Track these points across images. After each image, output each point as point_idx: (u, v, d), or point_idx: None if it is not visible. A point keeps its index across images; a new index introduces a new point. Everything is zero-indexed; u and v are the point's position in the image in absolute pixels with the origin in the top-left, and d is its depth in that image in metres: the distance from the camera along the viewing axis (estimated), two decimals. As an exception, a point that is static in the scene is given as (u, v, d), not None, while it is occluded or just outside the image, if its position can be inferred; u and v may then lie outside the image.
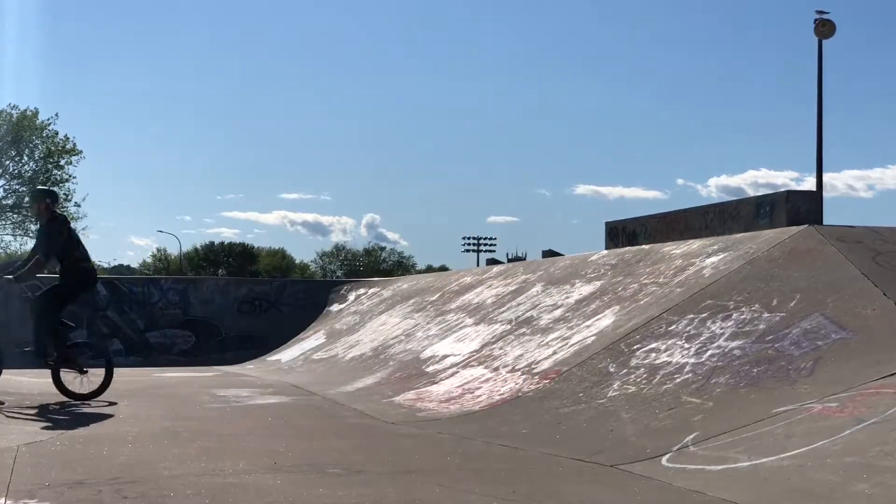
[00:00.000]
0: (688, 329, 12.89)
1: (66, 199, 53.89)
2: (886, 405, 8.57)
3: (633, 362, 12.59)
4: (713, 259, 15.49)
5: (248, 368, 24.73)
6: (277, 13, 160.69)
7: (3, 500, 7.49)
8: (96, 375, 15.34)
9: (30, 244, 57.06)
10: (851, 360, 10.13)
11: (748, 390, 10.41)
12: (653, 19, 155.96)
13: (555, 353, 14.67)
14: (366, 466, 9.26)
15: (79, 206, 54.67)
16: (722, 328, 12.41)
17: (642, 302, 15.17)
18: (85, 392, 15.17)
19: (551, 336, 15.75)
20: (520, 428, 11.62)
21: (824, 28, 33.25)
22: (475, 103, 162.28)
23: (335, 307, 30.28)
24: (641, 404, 11.11)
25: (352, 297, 30.62)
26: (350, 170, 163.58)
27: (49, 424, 12.25)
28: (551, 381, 13.29)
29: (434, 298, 24.21)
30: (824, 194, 25.86)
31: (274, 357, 26.57)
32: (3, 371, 15.79)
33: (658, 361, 12.27)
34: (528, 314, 18.03)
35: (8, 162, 53.04)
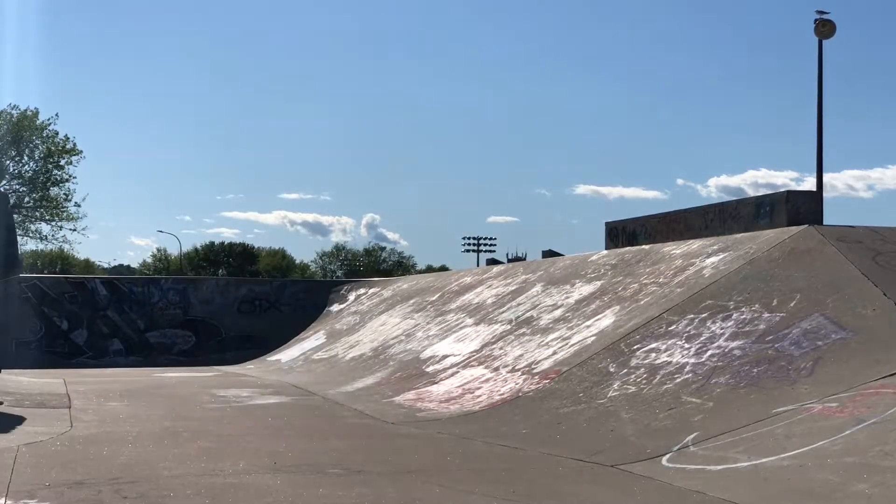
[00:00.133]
0: (688, 329, 12.89)
1: (66, 199, 53.97)
2: (886, 405, 8.57)
3: (633, 362, 12.59)
4: (713, 259, 15.49)
5: (248, 368, 24.74)
6: (278, 13, 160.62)
7: (3, 500, 7.49)
8: None
9: (30, 244, 57.24)
10: (851, 360, 10.13)
11: (748, 390, 10.41)
12: (653, 19, 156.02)
13: (555, 353, 14.67)
14: (366, 466, 9.26)
15: (79, 206, 54.67)
16: (722, 328, 12.41)
17: (642, 302, 15.17)
18: None
19: (551, 336, 15.76)
20: (520, 428, 11.62)
21: (824, 28, 33.25)
22: (475, 103, 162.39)
23: (335, 307, 30.28)
24: (641, 404, 11.11)
25: (352, 297, 30.62)
26: (350, 170, 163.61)
27: (49, 424, 12.24)
28: (551, 381, 13.29)
29: (434, 298, 24.21)
30: (824, 194, 25.85)
31: (274, 357, 26.57)
32: (3, 371, 15.73)
33: (658, 361, 12.27)
34: (528, 314, 18.03)
35: (8, 162, 53.01)
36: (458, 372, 16.01)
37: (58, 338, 28.12)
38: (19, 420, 12.64)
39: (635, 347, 13.07)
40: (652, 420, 10.47)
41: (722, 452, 8.82)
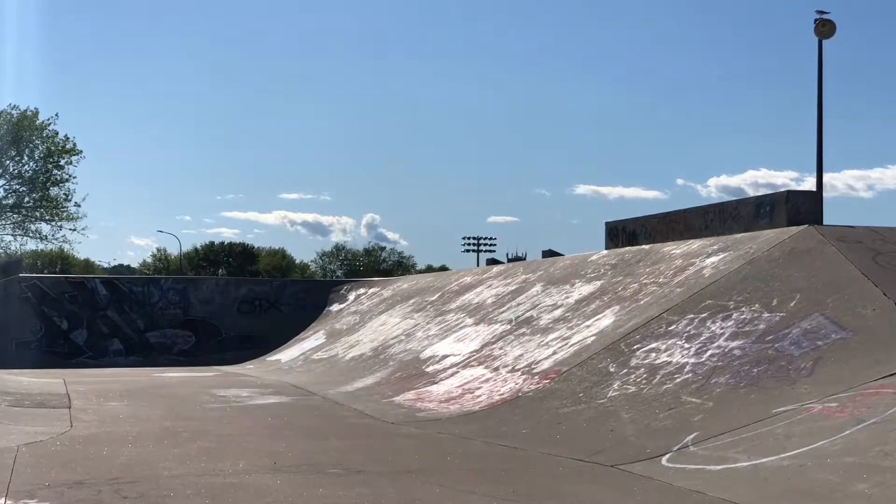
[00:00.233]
0: (688, 329, 12.89)
1: (66, 199, 53.87)
2: (886, 405, 8.57)
3: (633, 362, 12.60)
4: (713, 259, 15.49)
5: (248, 368, 24.74)
6: (278, 13, 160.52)
7: (3, 500, 7.49)
8: None
9: (30, 244, 57.18)
10: (851, 360, 10.14)
11: (748, 390, 10.41)
12: (653, 19, 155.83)
13: (555, 353, 14.68)
14: (366, 466, 9.27)
15: (79, 206, 54.52)
16: (722, 328, 12.41)
17: (642, 302, 15.17)
18: None
19: (551, 336, 15.76)
20: (520, 428, 11.62)
21: (824, 28, 33.24)
22: (475, 103, 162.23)
23: (335, 307, 30.29)
24: (641, 404, 11.12)
25: (352, 297, 30.63)
26: (350, 170, 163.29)
27: (49, 424, 12.24)
28: (551, 381, 13.29)
29: (434, 298, 24.22)
30: (824, 194, 25.81)
31: (274, 357, 26.58)
32: (3, 370, 15.74)
33: (658, 361, 12.28)
34: (528, 314, 18.03)
35: (8, 162, 52.92)
36: (457, 372, 16.01)
37: (58, 338, 28.12)
38: (19, 420, 12.64)
39: (635, 347, 13.07)
40: (652, 420, 10.48)
41: (722, 452, 8.82)
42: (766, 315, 12.15)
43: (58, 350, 27.82)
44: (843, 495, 7.14)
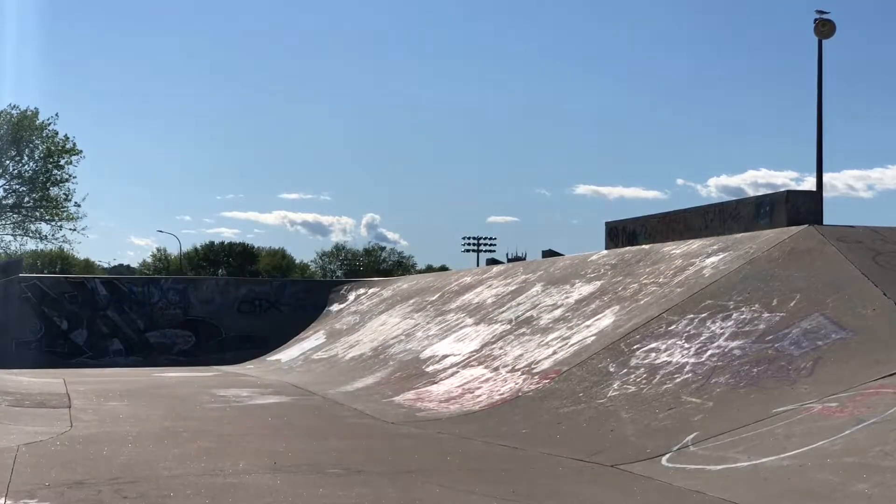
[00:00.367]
0: (688, 329, 12.89)
1: (66, 199, 53.84)
2: (886, 405, 8.57)
3: (633, 362, 12.60)
4: (713, 259, 15.49)
5: (248, 368, 24.74)
6: (278, 13, 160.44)
7: (3, 500, 7.49)
8: None
9: (30, 244, 57.15)
10: (851, 360, 10.14)
11: (748, 390, 10.41)
12: (653, 19, 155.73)
13: (555, 352, 14.68)
14: (366, 466, 9.27)
15: (79, 206, 54.48)
16: (722, 328, 12.41)
17: (642, 302, 15.17)
18: None
19: (551, 336, 15.76)
20: (520, 428, 11.62)
21: (824, 28, 33.23)
22: (475, 103, 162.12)
23: (335, 307, 30.29)
24: (641, 404, 11.12)
25: (352, 297, 30.63)
26: (350, 170, 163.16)
27: (49, 424, 12.24)
28: (551, 380, 13.30)
29: (434, 298, 24.22)
30: (824, 194, 25.79)
31: (274, 357, 26.58)
32: (3, 370, 15.74)
33: (658, 361, 12.28)
34: (528, 314, 18.04)
35: (8, 162, 52.89)
36: (457, 372, 16.01)
37: (58, 338, 28.12)
38: (19, 420, 12.64)
39: (635, 347, 13.08)
40: (652, 420, 10.48)
41: (722, 452, 8.82)
42: (766, 315, 12.15)
43: (58, 350, 27.82)
44: (843, 495, 7.14)
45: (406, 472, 9.10)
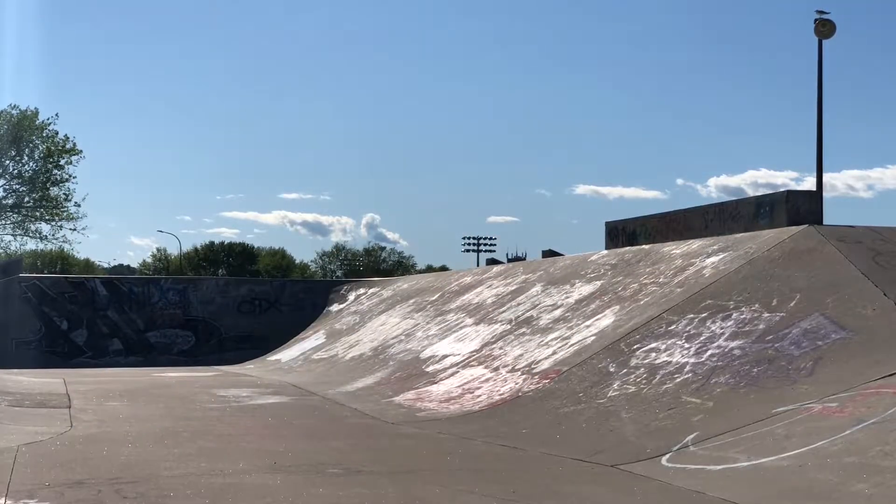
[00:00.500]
0: (688, 329, 12.89)
1: (66, 199, 53.82)
2: (886, 405, 8.57)
3: (633, 362, 12.60)
4: (713, 259, 15.49)
5: (248, 368, 24.74)
6: (278, 13, 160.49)
7: (3, 499, 7.49)
8: None
9: (30, 244, 57.15)
10: (851, 360, 10.14)
11: (748, 390, 10.41)
12: (653, 19, 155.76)
13: (555, 352, 14.68)
14: (366, 466, 9.27)
15: (79, 205, 54.45)
16: (722, 328, 12.41)
17: (642, 302, 15.18)
18: None
19: (551, 336, 15.76)
20: (520, 428, 11.62)
21: (824, 28, 33.21)
22: (475, 103, 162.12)
23: (335, 307, 30.30)
24: (641, 404, 11.12)
25: (352, 297, 30.64)
26: (350, 170, 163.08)
27: (49, 424, 12.24)
28: (551, 380, 13.30)
29: (434, 298, 24.22)
30: (824, 194, 25.80)
31: (274, 357, 26.58)
32: (3, 370, 15.74)
33: (658, 361, 12.28)
34: (528, 314, 18.04)
35: (8, 162, 52.90)
36: (457, 372, 16.01)
37: (58, 338, 28.13)
38: (19, 420, 12.64)
39: (635, 347, 13.08)
40: (652, 420, 10.48)
41: (722, 452, 8.82)
42: (766, 315, 12.15)
43: (58, 350, 27.83)
44: (843, 495, 7.15)
45: (406, 472, 9.10)
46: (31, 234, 55.09)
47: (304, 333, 28.44)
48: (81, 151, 54.45)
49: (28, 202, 54.69)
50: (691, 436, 9.54)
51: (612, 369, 12.67)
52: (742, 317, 12.44)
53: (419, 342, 19.90)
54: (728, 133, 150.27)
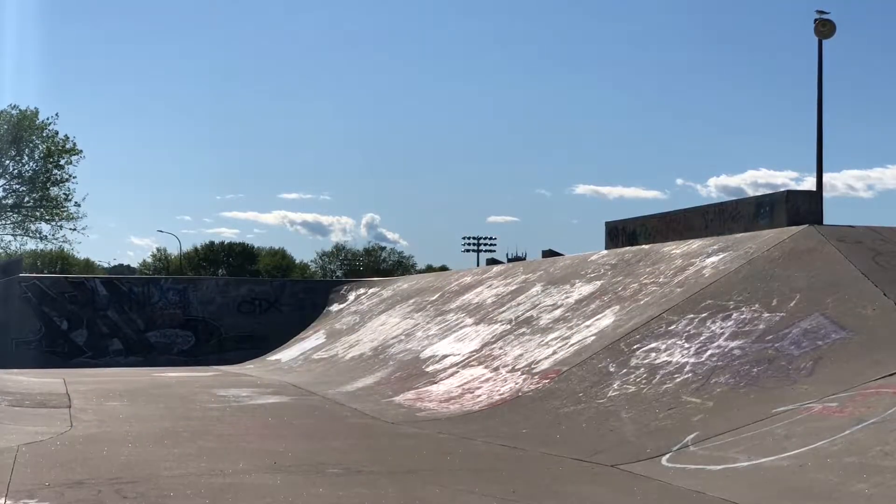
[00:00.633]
0: (688, 329, 12.89)
1: (66, 199, 53.82)
2: (886, 405, 8.57)
3: (633, 362, 12.60)
4: (713, 259, 15.49)
5: (248, 368, 24.74)
6: (278, 13, 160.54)
7: (3, 500, 7.49)
8: None
9: (30, 244, 57.17)
10: (851, 360, 10.14)
11: (748, 390, 10.41)
12: (653, 19, 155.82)
13: (555, 352, 14.68)
14: (366, 466, 9.27)
15: (79, 205, 54.47)
16: (722, 328, 12.41)
17: (642, 302, 15.18)
18: None
19: (551, 336, 15.76)
20: (520, 428, 11.62)
21: (824, 28, 33.21)
22: (475, 103, 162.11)
23: (335, 307, 30.30)
24: (641, 404, 11.12)
25: (352, 296, 30.64)
26: (350, 170, 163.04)
27: (49, 424, 12.24)
28: (551, 380, 13.30)
29: (434, 298, 24.22)
30: (824, 194, 25.81)
31: (274, 357, 26.59)
32: (3, 370, 15.74)
33: (658, 361, 12.28)
34: (528, 314, 18.04)
35: (8, 162, 52.93)
36: (457, 372, 16.01)
37: (58, 338, 28.13)
38: (19, 420, 12.64)
39: (635, 347, 13.08)
40: (652, 420, 10.48)
41: (722, 452, 8.82)
42: (766, 315, 12.15)
43: (58, 350, 27.83)
44: (843, 495, 7.15)
45: (406, 472, 9.10)
46: (31, 234, 55.12)
47: (304, 333, 28.44)
48: (81, 151, 54.49)
49: (28, 202, 54.69)
50: (691, 436, 9.54)
51: (612, 369, 12.67)
52: (742, 317, 12.44)
53: (419, 342, 19.90)
54: (728, 133, 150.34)
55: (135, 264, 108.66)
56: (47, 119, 53.27)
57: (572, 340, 14.90)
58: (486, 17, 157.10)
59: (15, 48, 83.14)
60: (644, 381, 11.79)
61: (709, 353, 11.84)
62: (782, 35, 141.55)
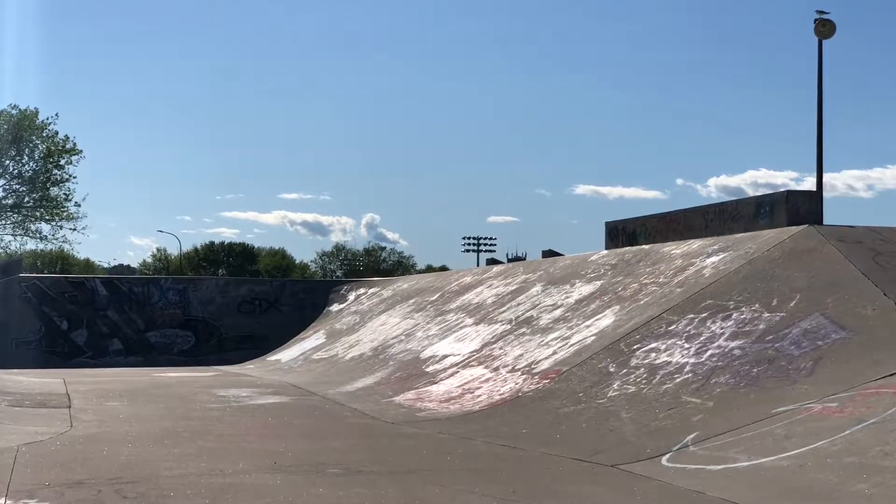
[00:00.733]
0: (688, 329, 12.89)
1: (66, 199, 53.81)
2: (886, 405, 8.57)
3: (633, 362, 12.60)
4: (713, 259, 15.49)
5: (248, 368, 24.74)
6: (278, 13, 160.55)
7: (3, 500, 7.49)
8: None
9: (30, 244, 57.18)
10: (851, 360, 10.14)
11: (748, 390, 10.41)
12: (652, 19, 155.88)
13: (555, 352, 14.68)
14: (366, 466, 9.27)
15: (79, 205, 54.45)
16: (722, 328, 12.41)
17: (642, 302, 15.18)
18: None
19: (551, 336, 15.76)
20: (520, 428, 11.62)
21: (824, 28, 33.20)
22: (475, 103, 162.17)
23: (335, 307, 30.30)
24: (641, 404, 11.12)
25: (352, 297, 30.64)
26: (350, 170, 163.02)
27: (49, 424, 12.25)
28: (551, 380, 13.30)
29: (434, 298, 24.22)
30: (824, 194, 25.81)
31: (274, 357, 26.58)
32: (3, 370, 15.74)
33: (658, 361, 12.28)
34: (528, 314, 18.03)
35: (8, 162, 52.93)
36: (458, 372, 16.01)
37: (58, 338, 28.13)
38: (19, 420, 12.64)
39: (635, 347, 13.08)
40: (652, 420, 10.48)
41: (722, 452, 8.82)
42: (766, 315, 12.15)
43: (58, 350, 27.83)
44: (843, 495, 7.15)
45: (406, 472, 9.10)
46: (31, 234, 55.11)
47: (304, 333, 28.44)
48: (81, 151, 54.47)
49: (28, 202, 54.69)
50: (691, 436, 9.54)
51: (612, 369, 12.67)
52: (742, 317, 12.44)
53: (419, 342, 19.90)
54: (728, 133, 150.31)
55: (135, 264, 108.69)
56: (47, 119, 53.30)
57: (572, 340, 14.90)
58: (486, 17, 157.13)
59: (15, 48, 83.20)
60: (644, 381, 11.79)
61: (709, 353, 11.84)
62: (782, 35, 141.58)
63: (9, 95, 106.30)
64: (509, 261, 63.53)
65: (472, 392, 14.36)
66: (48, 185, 53.94)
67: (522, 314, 18.21)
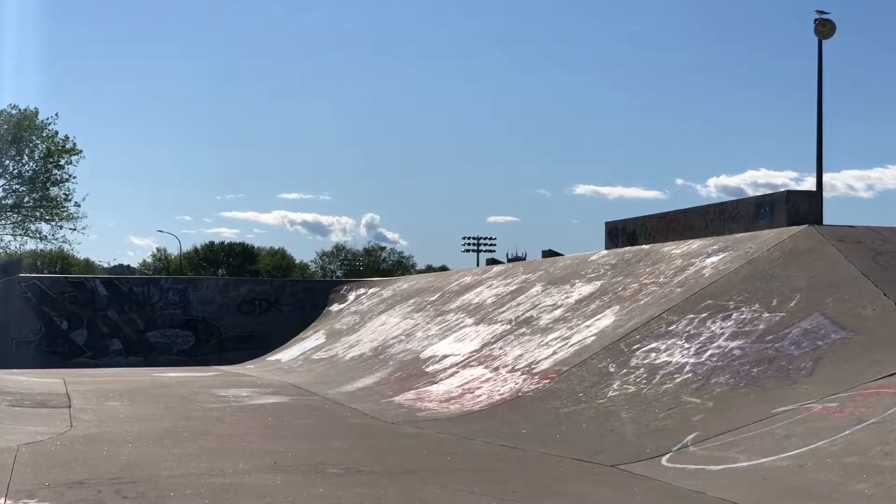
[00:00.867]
0: (688, 329, 12.89)
1: (66, 199, 53.82)
2: (886, 405, 8.57)
3: (633, 362, 12.60)
4: (713, 259, 15.49)
5: (248, 368, 24.74)
6: (278, 13, 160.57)
7: (3, 500, 7.49)
8: None
9: (30, 244, 57.18)
10: (851, 360, 10.14)
11: (748, 390, 10.41)
12: (652, 19, 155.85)
13: (555, 352, 14.68)
14: (366, 466, 9.27)
15: (79, 205, 54.46)
16: (722, 328, 12.41)
17: (642, 302, 15.17)
18: None
19: (551, 336, 15.76)
20: (520, 428, 11.62)
21: (824, 28, 33.20)
22: (475, 103, 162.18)
23: (335, 307, 30.29)
24: (641, 404, 11.12)
25: (352, 297, 30.63)
26: (350, 170, 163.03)
27: (49, 424, 12.25)
28: (551, 380, 13.30)
29: (434, 298, 24.22)
30: (824, 194, 25.82)
31: (274, 357, 26.58)
32: (3, 370, 15.74)
33: (658, 361, 12.28)
34: (528, 314, 18.03)
35: (8, 162, 52.93)
36: (458, 372, 16.01)
37: (58, 338, 28.13)
38: (19, 420, 12.64)
39: (635, 347, 13.08)
40: (652, 420, 10.48)
41: (722, 452, 8.82)
42: (766, 315, 12.15)
43: (58, 350, 27.83)
44: (843, 495, 7.15)
45: (406, 472, 9.10)
46: (31, 234, 55.10)
47: (304, 333, 28.44)
48: (81, 151, 54.46)
49: (28, 202, 54.69)
50: (691, 436, 9.54)
51: (612, 369, 12.67)
52: (742, 317, 12.44)
53: (419, 342, 19.90)
54: (728, 133, 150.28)
55: (135, 264, 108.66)
56: (47, 119, 53.29)
57: (572, 340, 14.90)
58: (486, 17, 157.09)
59: (15, 48, 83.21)
60: (644, 381, 11.79)
61: (709, 353, 11.84)
62: (782, 35, 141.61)
63: (9, 95, 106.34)
64: (509, 261, 63.52)
65: (472, 392, 14.36)
66: (48, 185, 53.93)
67: (522, 314, 18.20)
